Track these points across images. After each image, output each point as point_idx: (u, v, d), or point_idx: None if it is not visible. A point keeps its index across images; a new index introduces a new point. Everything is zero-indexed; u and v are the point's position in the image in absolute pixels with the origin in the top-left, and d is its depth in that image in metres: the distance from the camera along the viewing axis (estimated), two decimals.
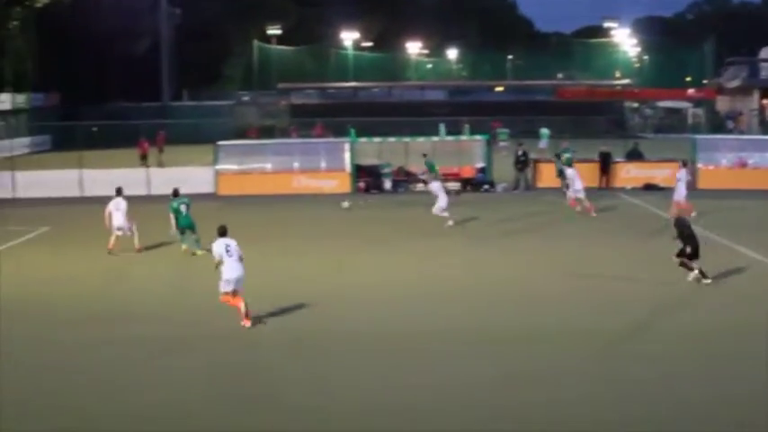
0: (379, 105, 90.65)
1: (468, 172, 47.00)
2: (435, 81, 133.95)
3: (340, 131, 60.46)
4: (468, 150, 48.61)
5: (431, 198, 36.68)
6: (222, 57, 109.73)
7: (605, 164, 46.35)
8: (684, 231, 24.86)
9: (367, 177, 46.53)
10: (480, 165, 47.28)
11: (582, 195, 37.83)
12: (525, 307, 22.73)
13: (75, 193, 45.66)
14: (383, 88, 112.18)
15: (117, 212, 30.75)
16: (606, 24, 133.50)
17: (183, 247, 30.02)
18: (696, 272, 24.64)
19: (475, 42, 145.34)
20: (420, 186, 46.00)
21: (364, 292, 24.31)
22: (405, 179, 46.63)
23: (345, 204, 40.62)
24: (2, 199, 45.12)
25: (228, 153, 47.83)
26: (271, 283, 24.95)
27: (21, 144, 75.01)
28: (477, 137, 50.45)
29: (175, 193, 30.52)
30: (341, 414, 15.74)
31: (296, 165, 47.16)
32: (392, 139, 49.06)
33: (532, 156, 49.47)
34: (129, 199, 41.17)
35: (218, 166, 46.90)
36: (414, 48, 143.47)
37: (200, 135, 66.17)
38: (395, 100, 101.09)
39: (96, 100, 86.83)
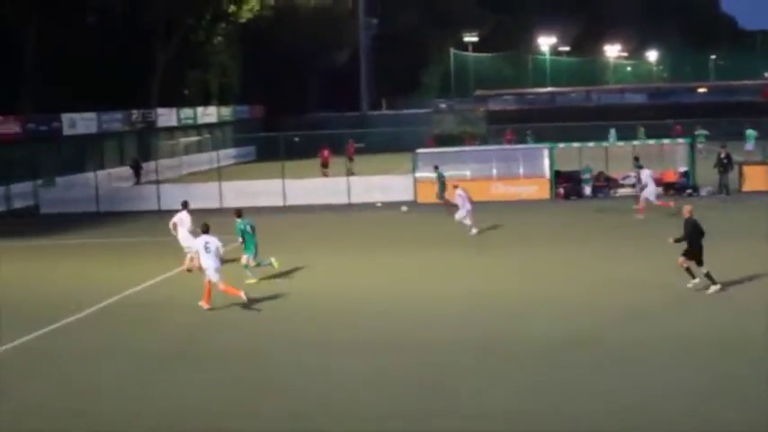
0: (578, 110, 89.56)
1: (670, 176, 45.81)
2: (635, 84, 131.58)
3: (538, 137, 60.11)
4: (671, 154, 47.46)
5: (629, 203, 36.45)
6: (419, 65, 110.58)
7: None
8: (690, 233, 23.91)
9: (566, 183, 45.99)
10: (683, 169, 46.02)
11: (652, 198, 37.64)
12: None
13: (278, 202, 46.80)
14: (581, 92, 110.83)
15: (181, 228, 29.92)
16: None
17: (251, 280, 27.62)
18: (697, 280, 23.84)
19: (675, 43, 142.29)
20: (621, 191, 45.26)
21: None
22: (605, 185, 45.83)
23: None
24: (209, 209, 46.57)
25: (427, 161, 48.04)
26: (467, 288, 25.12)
27: (227, 155, 77.45)
28: (680, 140, 49.31)
29: (239, 214, 28.29)
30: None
31: (494, 171, 46.98)
32: (591, 144, 48.39)
33: (738, 159, 47.84)
34: (330, 207, 42.00)
35: (417, 174, 47.21)
36: (612, 51, 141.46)
37: (398, 143, 67.01)
38: (593, 104, 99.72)
39: (298, 111, 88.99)
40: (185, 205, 30.78)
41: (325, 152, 58.89)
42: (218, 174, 50.17)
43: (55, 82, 63.04)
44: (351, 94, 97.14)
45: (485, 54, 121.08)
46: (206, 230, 24.79)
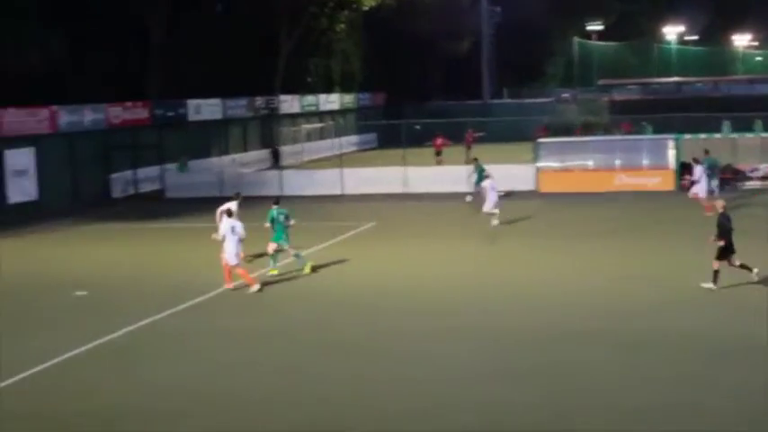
0: (705, 100, 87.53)
1: None
2: (765, 74, 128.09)
3: (663, 128, 58.88)
4: None
5: (756, 196, 35.92)
6: (542, 54, 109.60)
7: None
8: (725, 228, 23.68)
9: (692, 175, 44.91)
10: None
11: (702, 194, 36.89)
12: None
13: (398, 189, 46.88)
14: (708, 83, 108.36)
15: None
16: None
17: (274, 270, 27.77)
18: (713, 282, 23.66)
19: None
20: (749, 184, 44.15)
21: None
22: (732, 177, 44.68)
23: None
24: (331, 195, 46.98)
25: (549, 150, 47.59)
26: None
27: (349, 142, 77.90)
28: None
29: (276, 201, 28.42)
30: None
31: (617, 162, 46.26)
32: (718, 136, 47.32)
33: None
34: (450, 195, 42.06)
35: (538, 164, 46.83)
36: (741, 40, 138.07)
37: (520, 133, 66.49)
38: (721, 95, 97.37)
39: (420, 99, 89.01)
40: (237, 196, 31.08)
41: (438, 140, 58.80)
42: (340, 160, 50.44)
43: (182, 68, 64.18)
44: (473, 83, 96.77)
45: (609, 43, 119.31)
46: (230, 215, 26.41)
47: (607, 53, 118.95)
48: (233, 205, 30.12)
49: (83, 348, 20.32)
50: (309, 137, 74.75)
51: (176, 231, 37.89)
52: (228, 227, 25.76)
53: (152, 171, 53.52)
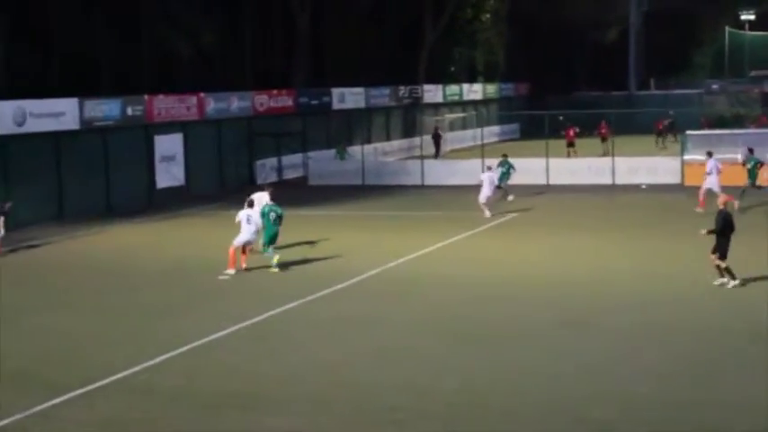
0: None
1: None
2: None
3: None
4: None
5: None
6: (691, 44, 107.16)
7: None
8: (721, 225, 23.27)
9: None
10: None
11: (716, 189, 35.27)
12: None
13: (541, 180, 46.48)
14: None
15: (257, 207, 28.77)
16: None
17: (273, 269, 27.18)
18: (725, 279, 23.39)
19: None
20: None
21: None
22: None
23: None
24: (472, 186, 46.79)
25: (697, 143, 46.51)
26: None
27: (490, 132, 77.38)
28: None
29: (272, 198, 28.52)
30: None
31: None
32: None
33: None
34: (593, 188, 41.55)
35: (685, 156, 45.79)
36: None
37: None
38: None
39: (563, 89, 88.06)
40: (267, 188, 31.00)
41: (571, 131, 58.33)
42: (482, 151, 50.16)
43: (326, 57, 64.84)
44: (618, 74, 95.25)
45: (763, 33, 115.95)
46: (251, 205, 27.53)
47: (760, 43, 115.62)
48: (261, 196, 30.17)
49: (226, 331, 20.72)
50: (452, 126, 74.66)
51: (318, 218, 38.27)
52: (245, 216, 27.08)
53: (296, 158, 54.28)
